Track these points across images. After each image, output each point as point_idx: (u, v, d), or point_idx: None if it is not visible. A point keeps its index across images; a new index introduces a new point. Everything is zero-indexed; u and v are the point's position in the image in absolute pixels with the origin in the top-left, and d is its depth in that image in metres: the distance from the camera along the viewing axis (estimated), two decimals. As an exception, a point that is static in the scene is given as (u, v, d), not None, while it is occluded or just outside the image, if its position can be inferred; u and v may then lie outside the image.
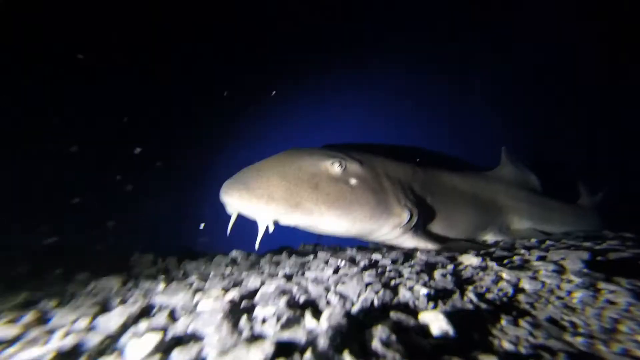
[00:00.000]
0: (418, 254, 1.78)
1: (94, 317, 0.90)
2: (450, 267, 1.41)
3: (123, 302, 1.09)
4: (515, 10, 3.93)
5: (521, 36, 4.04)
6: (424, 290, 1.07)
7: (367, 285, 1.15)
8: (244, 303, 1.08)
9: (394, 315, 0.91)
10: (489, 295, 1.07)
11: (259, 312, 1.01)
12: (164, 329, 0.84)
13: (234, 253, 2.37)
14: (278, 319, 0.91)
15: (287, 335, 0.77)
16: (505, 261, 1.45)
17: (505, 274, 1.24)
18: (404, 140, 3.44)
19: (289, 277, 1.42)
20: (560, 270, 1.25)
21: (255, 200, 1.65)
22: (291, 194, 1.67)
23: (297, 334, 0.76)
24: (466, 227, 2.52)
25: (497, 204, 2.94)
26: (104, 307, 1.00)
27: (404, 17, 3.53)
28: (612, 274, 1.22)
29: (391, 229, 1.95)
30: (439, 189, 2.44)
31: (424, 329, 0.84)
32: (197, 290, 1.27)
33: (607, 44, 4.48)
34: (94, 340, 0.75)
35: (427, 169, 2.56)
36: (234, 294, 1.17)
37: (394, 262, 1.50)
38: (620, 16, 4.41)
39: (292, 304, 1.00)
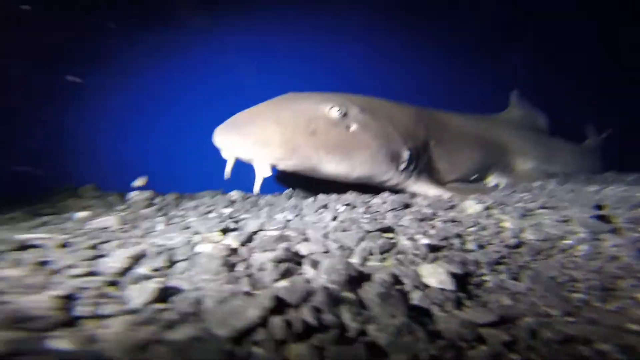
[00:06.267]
0: (419, 200, 1.75)
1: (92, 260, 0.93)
2: (451, 215, 1.39)
3: (122, 245, 1.09)
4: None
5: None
6: (424, 240, 1.05)
7: (366, 232, 1.13)
8: (241, 249, 1.08)
9: (393, 266, 0.90)
10: (491, 247, 1.06)
11: (257, 258, 1.00)
12: (164, 275, 0.85)
13: (234, 194, 2.36)
14: (275, 267, 0.90)
15: (283, 286, 0.76)
16: (509, 209, 1.42)
17: (508, 224, 1.22)
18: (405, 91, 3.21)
19: (287, 222, 1.41)
20: (566, 220, 1.22)
21: (250, 146, 1.64)
22: (287, 139, 1.65)
23: (294, 285, 0.75)
24: (470, 170, 2.55)
25: (502, 145, 2.97)
26: (102, 253, 1.01)
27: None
28: (617, 224, 1.20)
29: (393, 173, 1.93)
30: (443, 131, 2.43)
31: (423, 281, 0.84)
32: (195, 233, 1.27)
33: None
34: (91, 285, 0.76)
35: (432, 112, 2.53)
36: (231, 238, 1.17)
37: (394, 209, 1.47)
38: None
39: (290, 251, 0.99)
